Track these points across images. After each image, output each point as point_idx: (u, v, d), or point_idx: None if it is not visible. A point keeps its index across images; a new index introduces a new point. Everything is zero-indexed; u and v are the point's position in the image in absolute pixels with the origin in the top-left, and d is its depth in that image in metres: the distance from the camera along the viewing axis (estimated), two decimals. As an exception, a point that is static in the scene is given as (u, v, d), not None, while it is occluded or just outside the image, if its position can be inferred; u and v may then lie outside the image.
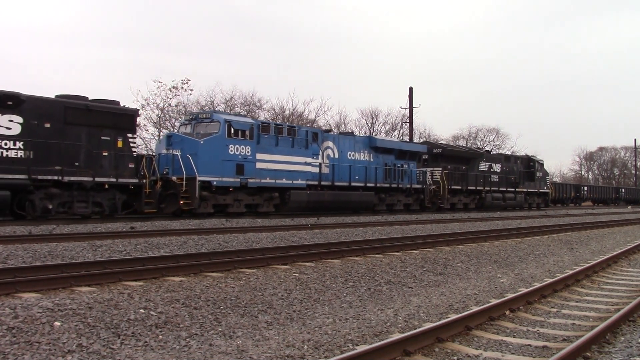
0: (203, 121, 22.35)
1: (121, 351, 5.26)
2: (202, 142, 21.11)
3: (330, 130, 29.91)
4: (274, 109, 50.40)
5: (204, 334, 5.98)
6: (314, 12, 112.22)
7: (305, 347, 5.59)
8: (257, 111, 47.27)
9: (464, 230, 18.80)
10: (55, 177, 17.51)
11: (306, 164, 24.99)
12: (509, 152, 56.06)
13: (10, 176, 16.52)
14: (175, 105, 43.10)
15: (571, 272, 10.00)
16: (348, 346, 5.66)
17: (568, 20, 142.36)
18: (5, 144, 16.72)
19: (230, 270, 9.44)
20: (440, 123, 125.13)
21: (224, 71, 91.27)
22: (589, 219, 29.90)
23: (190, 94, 44.77)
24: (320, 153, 25.76)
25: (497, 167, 38.64)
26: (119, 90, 78.98)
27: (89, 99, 19.23)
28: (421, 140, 51.14)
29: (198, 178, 20.37)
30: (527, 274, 10.72)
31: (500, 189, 38.18)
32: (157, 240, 12.81)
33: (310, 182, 25.02)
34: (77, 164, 18.18)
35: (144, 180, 19.62)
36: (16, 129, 16.98)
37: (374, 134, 56.62)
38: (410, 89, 44.26)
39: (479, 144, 71.12)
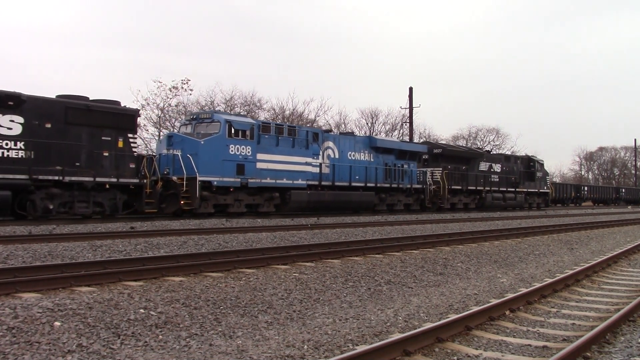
0: (203, 121, 22.36)
1: (121, 351, 5.27)
2: (202, 142, 21.13)
3: (331, 131, 29.92)
4: (274, 109, 50.48)
5: (204, 334, 5.98)
6: (314, 12, 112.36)
7: (305, 347, 5.59)
8: (257, 111, 47.32)
9: (464, 230, 18.80)
10: (56, 177, 17.53)
11: (306, 164, 25.00)
12: (509, 152, 56.05)
13: (11, 176, 16.55)
14: (175, 105, 43.18)
15: (571, 272, 10.00)
16: (348, 346, 5.66)
17: (568, 20, 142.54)
18: (6, 144, 16.74)
19: (230, 270, 9.44)
20: (440, 123, 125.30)
21: (224, 71, 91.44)
22: (589, 219, 29.90)
23: (190, 94, 44.86)
24: (321, 153, 25.78)
25: (497, 167, 38.63)
26: (119, 90, 79.16)
27: (90, 99, 19.26)
28: (421, 140, 51.15)
29: (199, 178, 20.40)
30: (527, 274, 10.72)
31: (501, 189, 38.17)
32: (157, 240, 12.82)
33: (310, 182, 25.03)
34: (78, 164, 18.20)
35: (145, 180, 19.65)
36: (17, 129, 17.00)
37: (374, 134, 56.61)
38: (410, 89, 44.29)
39: (479, 144, 71.11)
